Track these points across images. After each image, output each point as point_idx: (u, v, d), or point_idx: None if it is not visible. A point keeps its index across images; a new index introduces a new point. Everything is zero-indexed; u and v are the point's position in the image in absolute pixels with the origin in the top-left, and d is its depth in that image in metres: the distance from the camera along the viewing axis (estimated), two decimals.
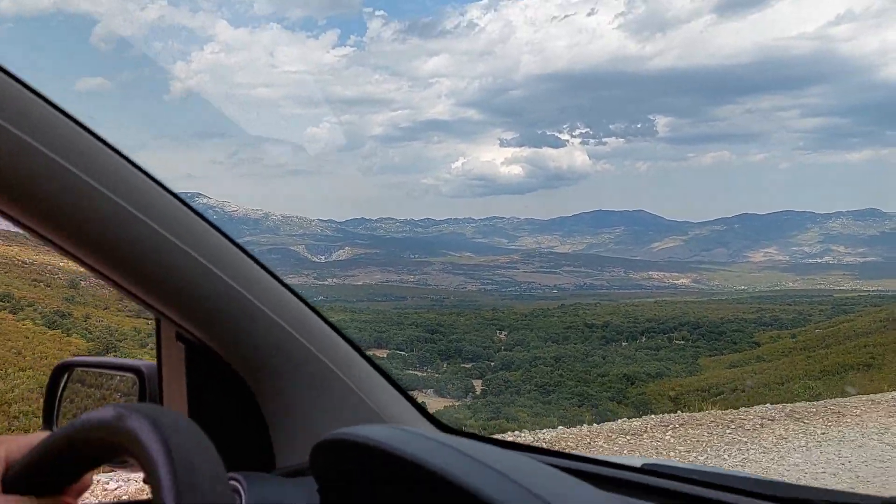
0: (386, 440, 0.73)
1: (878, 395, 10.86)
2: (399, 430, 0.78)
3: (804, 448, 7.89)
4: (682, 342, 59.52)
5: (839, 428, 8.70)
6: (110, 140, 0.84)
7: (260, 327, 1.02)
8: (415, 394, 1.25)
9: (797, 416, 9.34)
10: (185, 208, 0.93)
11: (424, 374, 51.54)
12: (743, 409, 10.09)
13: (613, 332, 63.22)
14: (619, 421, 9.41)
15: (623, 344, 60.91)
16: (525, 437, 8.54)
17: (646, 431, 8.64)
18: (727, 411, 9.93)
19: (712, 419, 9.22)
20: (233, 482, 0.97)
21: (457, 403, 42.15)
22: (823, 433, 8.47)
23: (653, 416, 9.73)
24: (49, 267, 57.00)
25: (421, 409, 1.22)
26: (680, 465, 1.15)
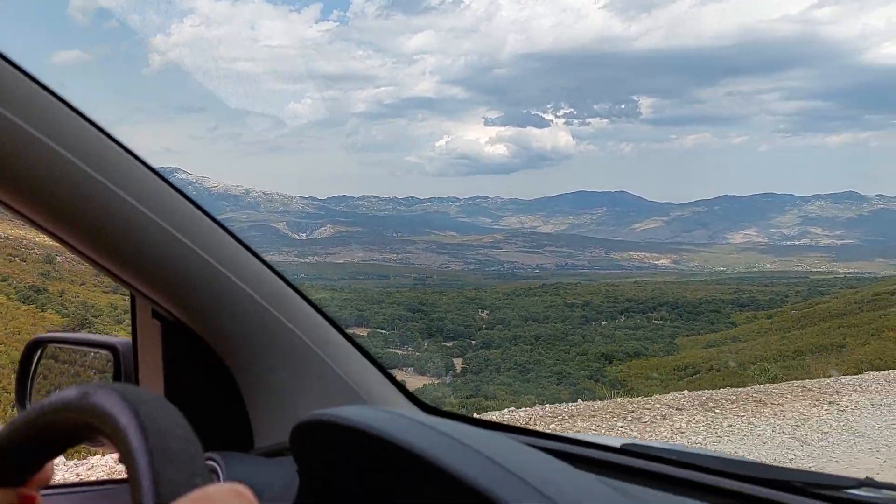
0: (367, 421, 0.72)
1: (812, 381, 10.21)
2: (381, 411, 0.77)
3: (700, 444, 7.24)
4: (661, 322, 60.16)
5: (752, 419, 8.07)
6: (86, 112, 0.83)
7: (238, 305, 1.00)
8: (395, 372, 1.24)
9: (712, 404, 8.68)
10: (161, 182, 0.91)
11: (405, 353, 51.63)
12: (655, 396, 9.45)
13: (593, 311, 63.71)
14: (505, 410, 8.87)
15: (602, 323, 61.42)
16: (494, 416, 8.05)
17: (528, 423, 7.96)
18: (633, 399, 9.25)
19: (611, 409, 8.56)
20: (210, 462, 0.96)
21: (437, 381, 42.35)
22: (730, 426, 7.86)
23: (547, 405, 9.01)
24: (25, 242, 56.11)
25: (402, 388, 1.22)
26: (660, 445, 1.16)
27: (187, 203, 0.94)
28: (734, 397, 9.14)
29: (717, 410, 8.50)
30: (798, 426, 7.85)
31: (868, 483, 0.85)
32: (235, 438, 1.05)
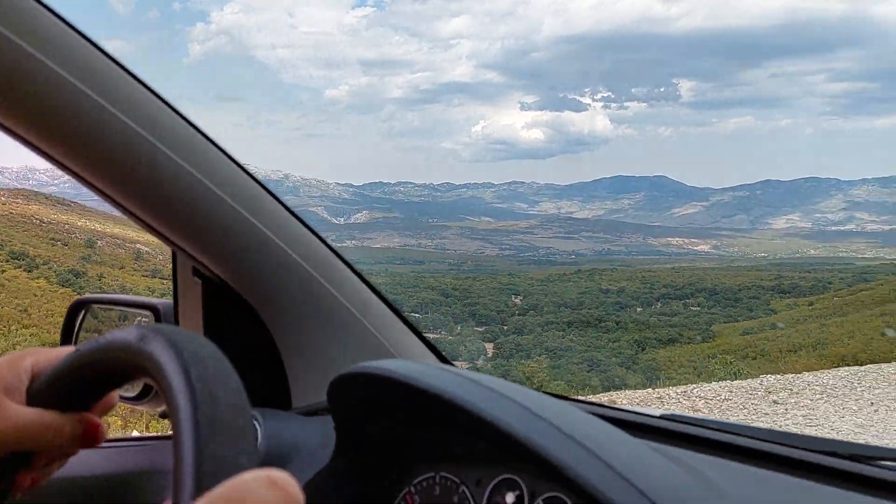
0: (409, 373, 0.73)
1: (750, 381, 9.02)
2: (421, 364, 0.78)
3: None
4: (698, 308, 59.30)
5: None
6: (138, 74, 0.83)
7: (278, 264, 1.00)
8: None
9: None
10: (203, 139, 0.91)
11: (437, 336, 51.82)
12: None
13: (628, 297, 63.09)
14: None
15: (638, 310, 60.79)
16: None
17: None
18: None
19: None
20: None
21: (467, 365, 42.50)
22: None
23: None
24: (67, 226, 57.63)
25: (437, 351, 1.21)
26: (696, 416, 1.14)
27: (230, 162, 0.94)
28: (638, 397, 8.03)
29: None
30: None
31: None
32: (273, 398, 1.05)
